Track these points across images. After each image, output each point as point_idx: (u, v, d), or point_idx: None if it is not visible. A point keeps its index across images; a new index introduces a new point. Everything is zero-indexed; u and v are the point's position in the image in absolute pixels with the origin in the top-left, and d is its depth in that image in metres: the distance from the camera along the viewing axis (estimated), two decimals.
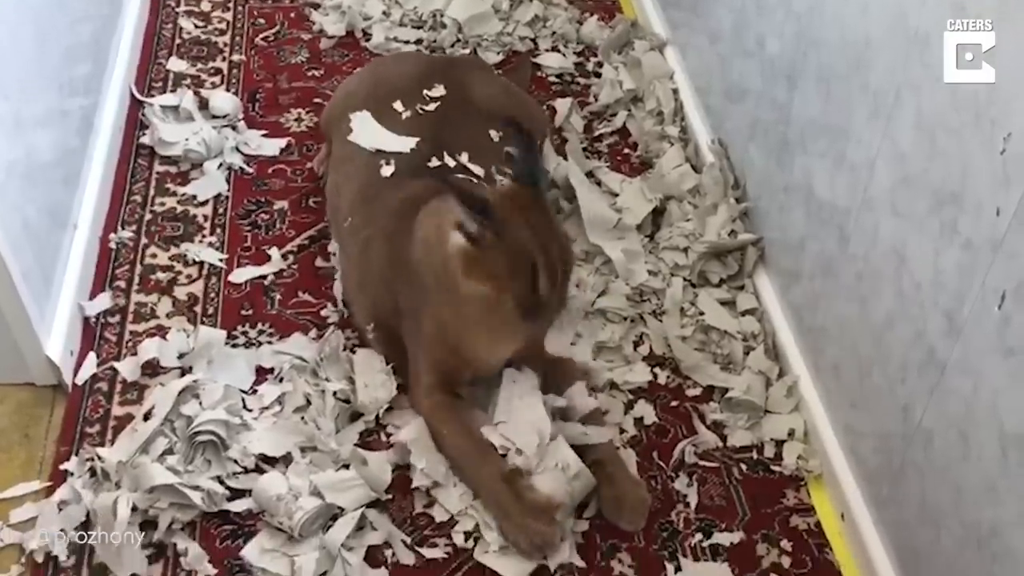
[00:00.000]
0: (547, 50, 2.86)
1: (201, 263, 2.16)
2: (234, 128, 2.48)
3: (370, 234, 1.95)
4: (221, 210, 2.30)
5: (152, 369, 1.93)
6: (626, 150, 2.55)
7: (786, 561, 1.73)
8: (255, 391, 1.89)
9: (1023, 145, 1.24)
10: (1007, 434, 1.30)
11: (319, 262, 2.18)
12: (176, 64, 2.70)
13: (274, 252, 2.18)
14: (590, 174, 2.38)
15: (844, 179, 1.74)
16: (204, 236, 2.23)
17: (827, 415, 1.87)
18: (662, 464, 1.86)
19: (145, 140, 2.44)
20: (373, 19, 2.88)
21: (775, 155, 2.06)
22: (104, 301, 2.06)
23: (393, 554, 1.68)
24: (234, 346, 1.98)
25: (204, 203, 2.31)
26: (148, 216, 2.27)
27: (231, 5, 2.94)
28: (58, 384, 1.90)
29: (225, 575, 1.64)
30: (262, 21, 2.90)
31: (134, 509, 1.65)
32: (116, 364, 1.94)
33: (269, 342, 2.00)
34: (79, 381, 1.91)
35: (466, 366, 1.82)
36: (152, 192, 2.33)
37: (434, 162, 2.03)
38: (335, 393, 1.85)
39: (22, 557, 1.64)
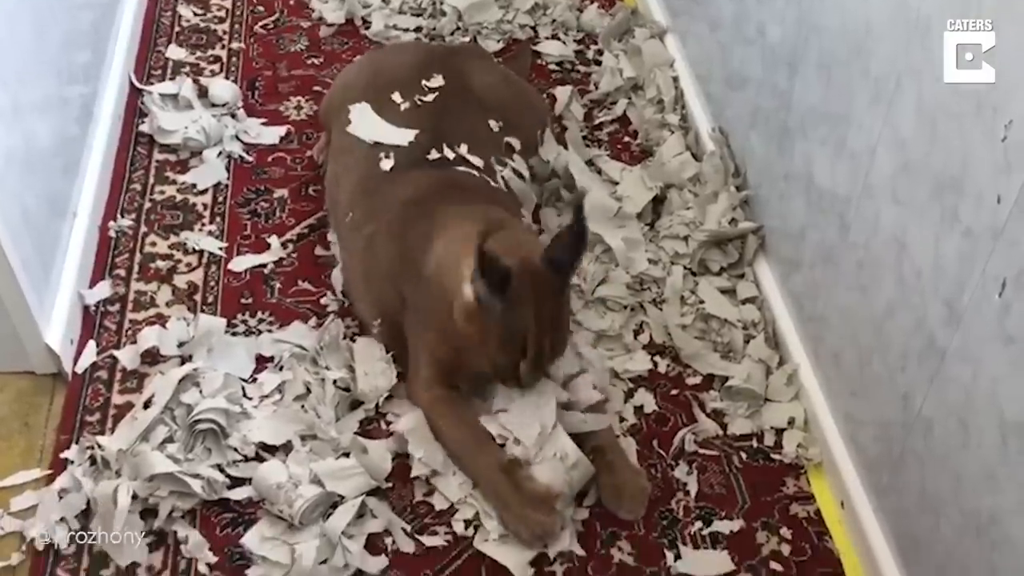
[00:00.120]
0: (547, 38, 2.85)
1: (201, 251, 2.16)
2: (233, 116, 2.48)
3: (374, 230, 1.95)
4: (221, 198, 2.29)
5: (152, 357, 1.93)
6: (626, 138, 2.54)
7: (786, 549, 1.73)
8: (255, 379, 1.89)
9: None
10: (1007, 422, 1.30)
11: (319, 250, 2.18)
12: (175, 52, 2.70)
13: (274, 240, 2.18)
14: (590, 162, 2.38)
15: (845, 166, 1.74)
16: (204, 224, 2.23)
17: (827, 403, 1.87)
18: (662, 452, 1.86)
19: (144, 128, 2.43)
20: (372, 7, 2.87)
21: (776, 143, 2.06)
22: (104, 289, 2.06)
23: (393, 542, 1.69)
24: (234, 334, 1.98)
25: (204, 191, 2.30)
26: (148, 204, 2.26)
27: None
28: (58, 372, 1.90)
29: (225, 563, 1.64)
30: (261, 9, 2.89)
31: (134, 497, 1.65)
32: (116, 352, 1.94)
33: (269, 330, 2.00)
34: (79, 369, 1.91)
35: (465, 364, 1.82)
36: (152, 180, 2.33)
37: (434, 154, 2.02)
38: (335, 381, 1.85)
39: (23, 545, 1.65)
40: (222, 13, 2.87)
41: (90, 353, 1.93)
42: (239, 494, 1.72)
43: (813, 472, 1.85)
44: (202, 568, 1.63)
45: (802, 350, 1.96)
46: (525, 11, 2.89)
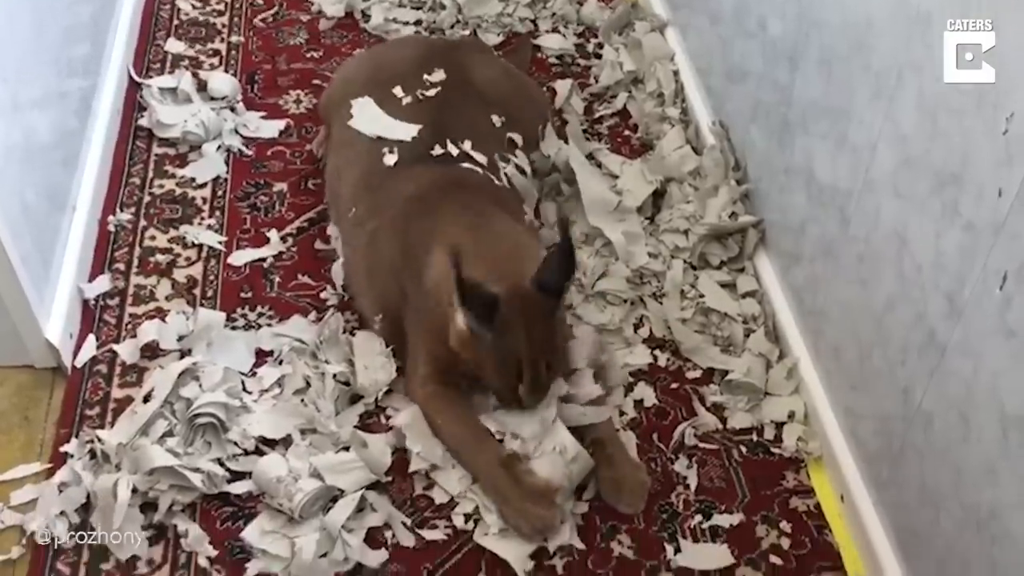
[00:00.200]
0: (547, 31, 2.84)
1: (200, 245, 2.16)
2: (233, 110, 2.47)
3: (377, 226, 1.94)
4: (220, 192, 2.29)
5: (151, 351, 1.93)
6: (626, 132, 2.54)
7: (785, 542, 1.73)
8: (255, 373, 1.89)
9: None
10: (1007, 416, 1.30)
11: (318, 244, 2.18)
12: (174, 45, 2.69)
13: (273, 234, 2.18)
14: (590, 156, 2.37)
15: (845, 161, 1.73)
16: (203, 218, 2.22)
17: (827, 397, 1.87)
18: (662, 446, 1.86)
19: (143, 122, 2.43)
20: (372, 0, 2.86)
21: (776, 137, 2.05)
22: (103, 284, 2.06)
23: (393, 536, 1.69)
24: (233, 328, 1.98)
25: (203, 185, 2.30)
26: (147, 198, 2.26)
27: None
28: (57, 366, 1.90)
29: (225, 557, 1.65)
30: (260, 2, 2.88)
31: (134, 491, 1.65)
32: (115, 346, 1.94)
33: (268, 324, 2.00)
34: (78, 363, 1.91)
35: (463, 364, 1.81)
36: (151, 174, 2.32)
37: (437, 150, 2.02)
38: (335, 375, 1.85)
39: (23, 539, 1.65)
40: (221, 6, 2.86)
41: (90, 347, 1.93)
42: (239, 488, 1.72)
43: (813, 466, 1.85)
44: (202, 562, 1.63)
45: (802, 344, 1.96)
46: (525, 4, 2.89)
